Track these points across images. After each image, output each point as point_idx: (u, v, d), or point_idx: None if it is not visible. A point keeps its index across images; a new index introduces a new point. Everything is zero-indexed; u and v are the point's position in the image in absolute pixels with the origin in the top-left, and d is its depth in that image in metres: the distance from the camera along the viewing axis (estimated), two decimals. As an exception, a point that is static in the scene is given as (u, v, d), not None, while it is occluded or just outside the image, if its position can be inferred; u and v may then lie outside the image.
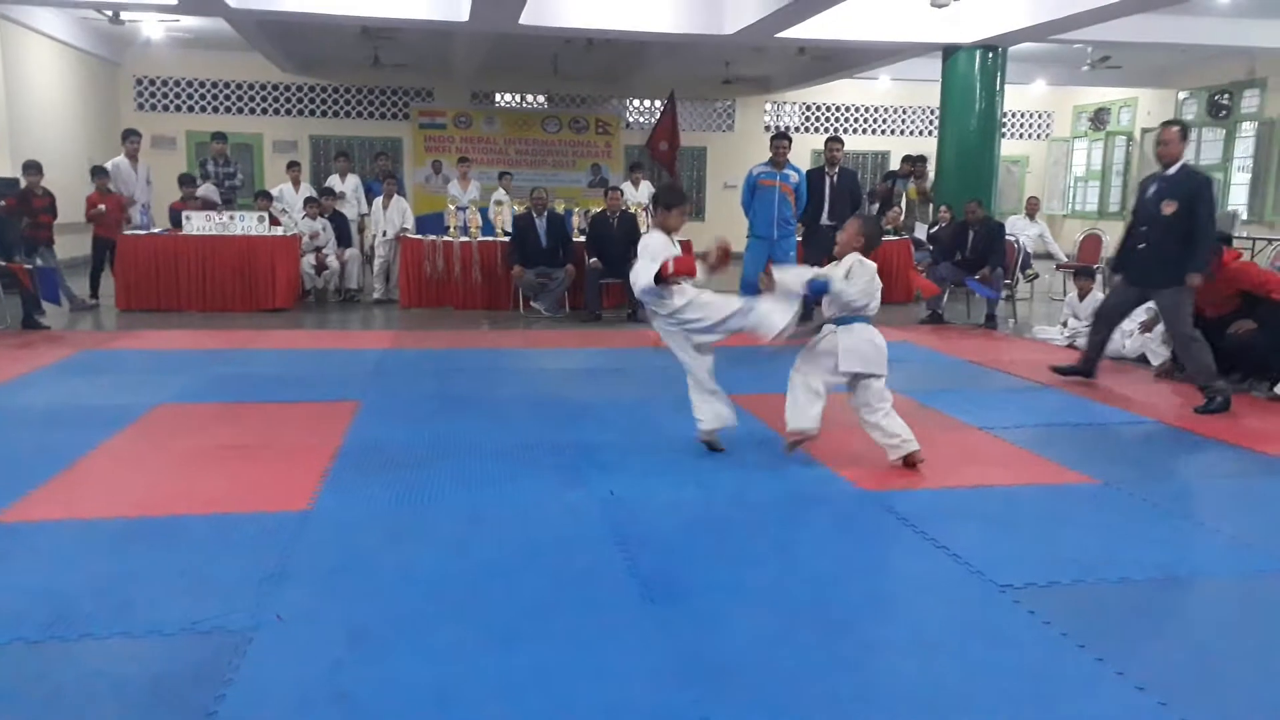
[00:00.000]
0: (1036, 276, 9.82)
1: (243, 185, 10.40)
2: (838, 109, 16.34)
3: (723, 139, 15.97)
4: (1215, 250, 5.44)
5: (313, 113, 14.73)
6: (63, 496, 3.43)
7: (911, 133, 16.50)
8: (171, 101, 14.24)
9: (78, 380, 5.42)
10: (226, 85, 14.36)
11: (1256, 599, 2.79)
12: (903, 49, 11.09)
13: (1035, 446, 4.34)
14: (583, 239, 8.76)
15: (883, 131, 16.55)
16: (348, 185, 10.13)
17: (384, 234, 9.41)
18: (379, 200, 9.57)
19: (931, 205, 10.58)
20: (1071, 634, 2.47)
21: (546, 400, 5.12)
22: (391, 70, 13.92)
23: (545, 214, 8.63)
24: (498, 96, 15.35)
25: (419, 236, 9.06)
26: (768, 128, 15.68)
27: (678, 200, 4.14)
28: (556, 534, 3.16)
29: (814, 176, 8.03)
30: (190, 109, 14.29)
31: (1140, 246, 5.33)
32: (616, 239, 8.49)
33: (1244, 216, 12.72)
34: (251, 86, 14.45)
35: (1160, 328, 6.44)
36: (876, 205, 11.06)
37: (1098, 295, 7.46)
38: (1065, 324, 7.33)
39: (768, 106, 16.13)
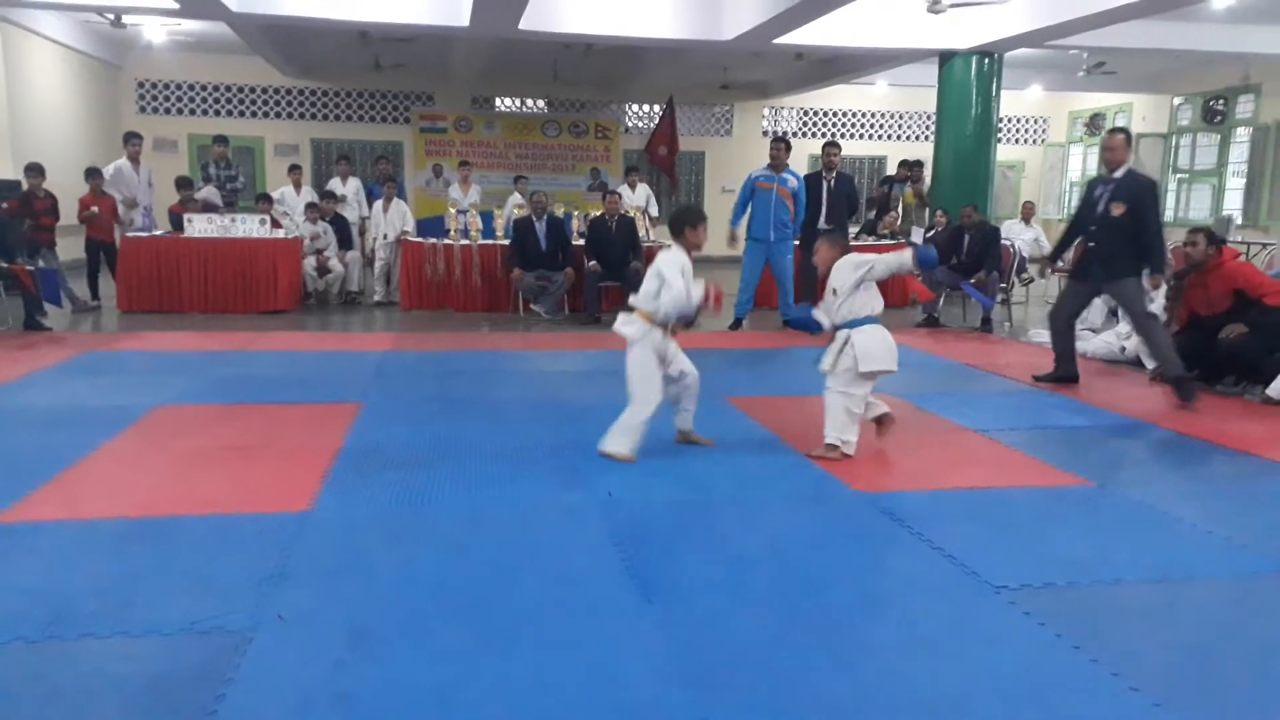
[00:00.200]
0: (1032, 281, 9.84)
1: (244, 188, 10.42)
2: (835, 114, 16.38)
3: (721, 144, 16.00)
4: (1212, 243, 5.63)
5: (314, 116, 14.75)
6: (63, 497, 3.45)
7: (908, 138, 16.54)
8: (173, 104, 14.26)
9: (79, 381, 5.44)
10: (228, 88, 14.39)
11: (1250, 600, 2.81)
12: (900, 55, 11.13)
13: (1030, 449, 4.36)
14: (582, 242, 8.79)
15: (880, 137, 16.59)
16: (349, 188, 10.16)
17: (385, 237, 9.44)
18: (379, 203, 9.60)
19: (928, 210, 10.62)
20: (1066, 635, 2.48)
21: (546, 402, 5.14)
22: (392, 74, 13.95)
23: (545, 217, 8.66)
24: (498, 101, 15.38)
25: (420, 239, 9.09)
26: (766, 133, 15.73)
27: (700, 218, 4.18)
28: (555, 535, 3.18)
29: (811, 181, 8.07)
30: (192, 112, 14.31)
31: (1090, 245, 5.56)
32: (615, 242, 8.52)
33: (1239, 221, 12.76)
34: (253, 90, 14.48)
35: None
36: (874, 211, 11.10)
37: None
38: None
39: (766, 111, 16.17)
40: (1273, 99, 12.76)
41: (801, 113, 16.30)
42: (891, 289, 9.39)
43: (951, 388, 5.79)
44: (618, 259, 8.49)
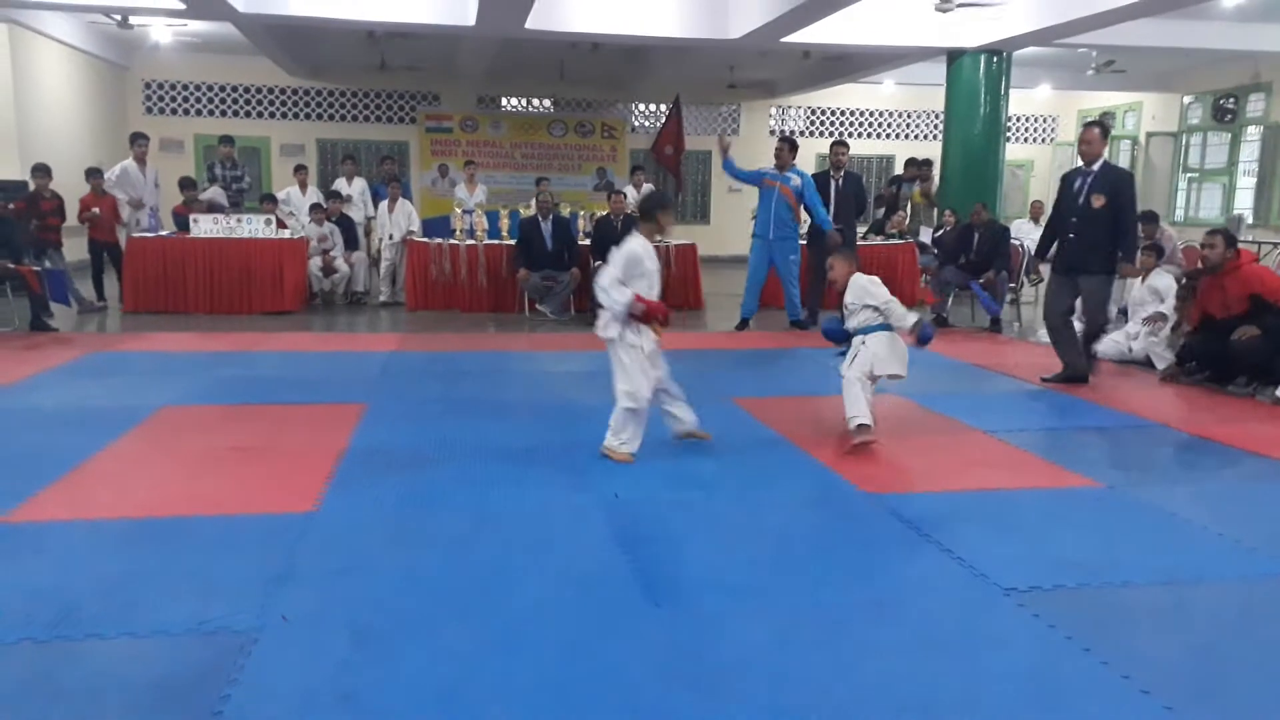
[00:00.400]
0: (1041, 280, 9.79)
1: (250, 188, 10.43)
2: (842, 113, 16.34)
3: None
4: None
5: (320, 116, 14.77)
6: (70, 497, 3.45)
7: (916, 137, 16.49)
8: (179, 105, 14.30)
9: (85, 382, 5.45)
10: (234, 89, 14.42)
11: (1260, 603, 2.78)
12: (908, 53, 11.09)
13: (1039, 450, 4.33)
14: (588, 242, 8.78)
15: (887, 136, 16.54)
16: (354, 188, 10.16)
17: (390, 237, 9.44)
18: (385, 203, 9.60)
19: (936, 209, 10.58)
20: (1075, 637, 2.46)
21: (552, 402, 5.13)
22: (398, 74, 13.96)
23: (550, 217, 8.65)
24: (504, 100, 15.38)
25: (425, 240, 9.09)
26: (773, 132, 15.70)
27: (664, 203, 4.17)
28: (561, 536, 3.17)
29: (819, 180, 8.04)
30: (198, 113, 14.35)
31: (1070, 237, 5.66)
32: (620, 242, 8.50)
33: (1249, 220, 12.69)
34: (259, 90, 14.51)
35: (1166, 330, 6.44)
36: (882, 210, 11.06)
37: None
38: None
39: (773, 111, 16.13)
40: (1283, 97, 12.68)
41: (809, 112, 16.26)
42: (900, 290, 9.39)
43: (960, 388, 5.77)
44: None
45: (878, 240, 10.04)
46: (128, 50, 13.31)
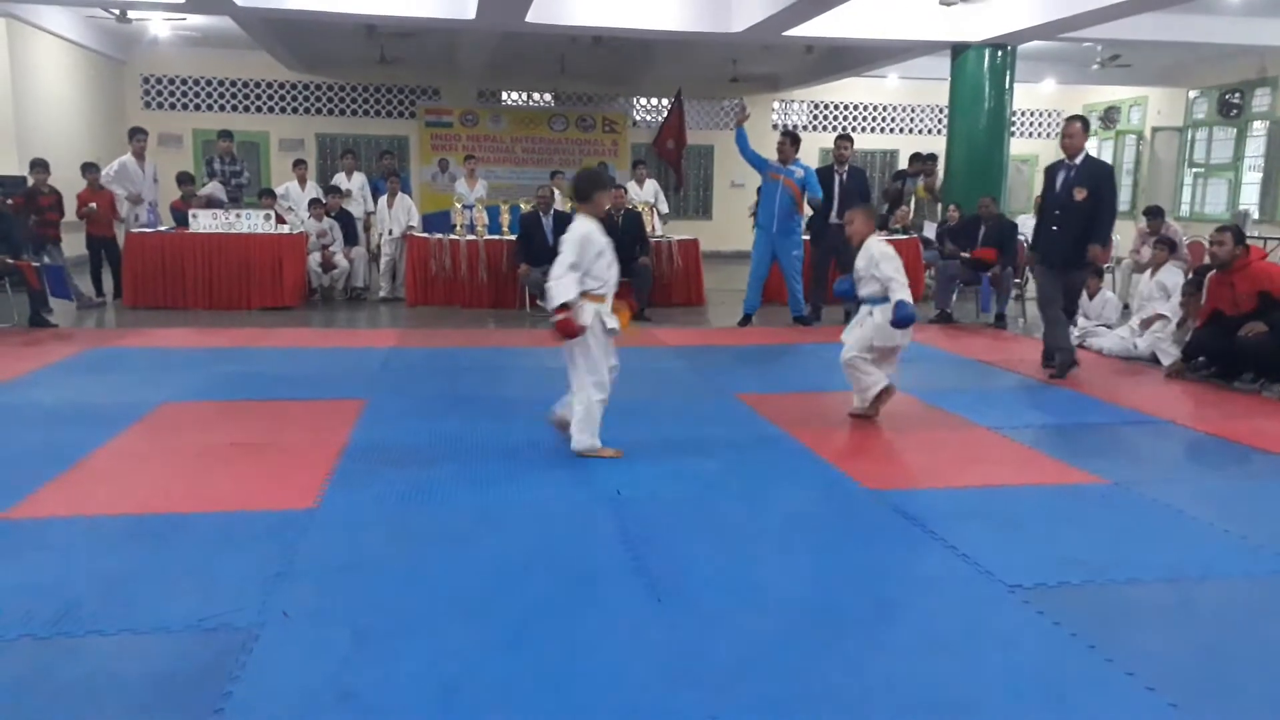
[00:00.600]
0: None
1: (249, 183, 10.41)
2: (846, 107, 16.29)
3: (730, 137, 15.87)
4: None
5: (319, 111, 14.74)
6: (69, 493, 3.44)
7: (920, 131, 16.43)
8: (178, 100, 14.26)
9: (84, 377, 5.44)
10: (233, 83, 14.38)
11: (1267, 600, 2.77)
12: (911, 47, 11.04)
13: (1044, 446, 4.31)
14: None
15: (891, 130, 16.49)
16: (354, 183, 10.14)
17: (390, 232, 9.42)
18: (384, 198, 9.58)
19: (940, 204, 10.55)
20: (1081, 634, 2.45)
21: (552, 399, 5.08)
22: (398, 68, 13.92)
23: (551, 212, 8.63)
24: (504, 95, 15.34)
25: (425, 235, 9.06)
26: (775, 126, 15.65)
27: (599, 182, 3.98)
28: (563, 533, 3.16)
29: (823, 175, 8.01)
30: (197, 107, 14.31)
31: (1054, 229, 5.78)
32: (622, 237, 8.47)
33: (1255, 216, 12.65)
34: (258, 85, 14.47)
35: (1171, 326, 6.41)
36: (887, 205, 11.03)
37: (1108, 294, 7.45)
38: (1074, 323, 7.28)
39: (775, 105, 16.09)
40: (1288, 92, 12.63)
41: (812, 106, 16.22)
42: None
43: (965, 384, 5.75)
44: (624, 254, 8.42)
45: (884, 235, 9.99)
46: (126, 44, 13.27)
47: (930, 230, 10.04)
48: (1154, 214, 8.89)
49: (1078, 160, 5.75)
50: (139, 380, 5.36)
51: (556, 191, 10.59)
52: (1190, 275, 6.47)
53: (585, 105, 15.48)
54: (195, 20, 11.47)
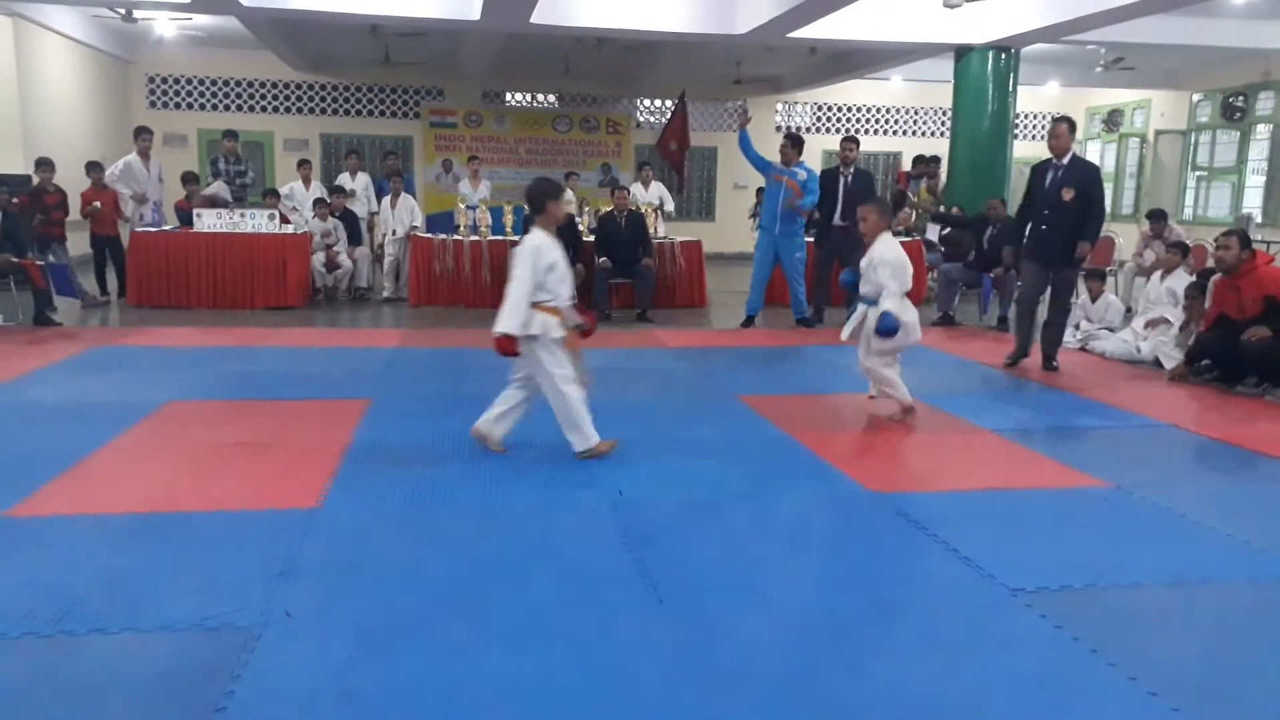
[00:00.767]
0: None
1: (254, 183, 10.42)
2: (849, 109, 16.29)
3: (733, 139, 15.79)
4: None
5: (324, 111, 14.76)
6: (73, 492, 3.44)
7: (923, 133, 16.43)
8: (183, 99, 14.29)
9: (89, 376, 5.45)
10: (238, 83, 14.41)
11: (1270, 604, 2.76)
12: (915, 49, 11.04)
13: (1047, 449, 4.31)
14: (591, 238, 8.76)
15: (895, 132, 16.48)
16: (358, 183, 10.15)
17: (393, 233, 9.43)
18: (388, 199, 9.59)
19: (942, 207, 10.54)
20: (1083, 639, 2.45)
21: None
22: (402, 69, 13.94)
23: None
24: (508, 95, 15.36)
25: (429, 235, 9.07)
26: (779, 128, 15.64)
27: (552, 192, 3.92)
28: (565, 534, 3.16)
29: (828, 176, 8.00)
30: (202, 107, 14.34)
31: (1044, 229, 5.92)
32: (625, 238, 8.48)
33: (1258, 220, 12.63)
34: (263, 85, 14.50)
35: (1174, 330, 6.40)
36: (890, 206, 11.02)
37: (1110, 297, 7.43)
38: (1077, 326, 7.28)
39: (779, 107, 16.09)
40: (1292, 95, 12.61)
41: (815, 108, 16.21)
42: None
43: (967, 387, 5.74)
44: (628, 255, 8.46)
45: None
46: (132, 44, 13.30)
47: (933, 233, 10.04)
48: (1157, 217, 8.88)
49: (1065, 160, 5.89)
50: (143, 379, 5.37)
51: (569, 192, 10.60)
52: (1194, 277, 6.46)
53: (589, 106, 15.49)
54: (201, 20, 11.49)
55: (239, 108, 14.45)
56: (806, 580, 2.84)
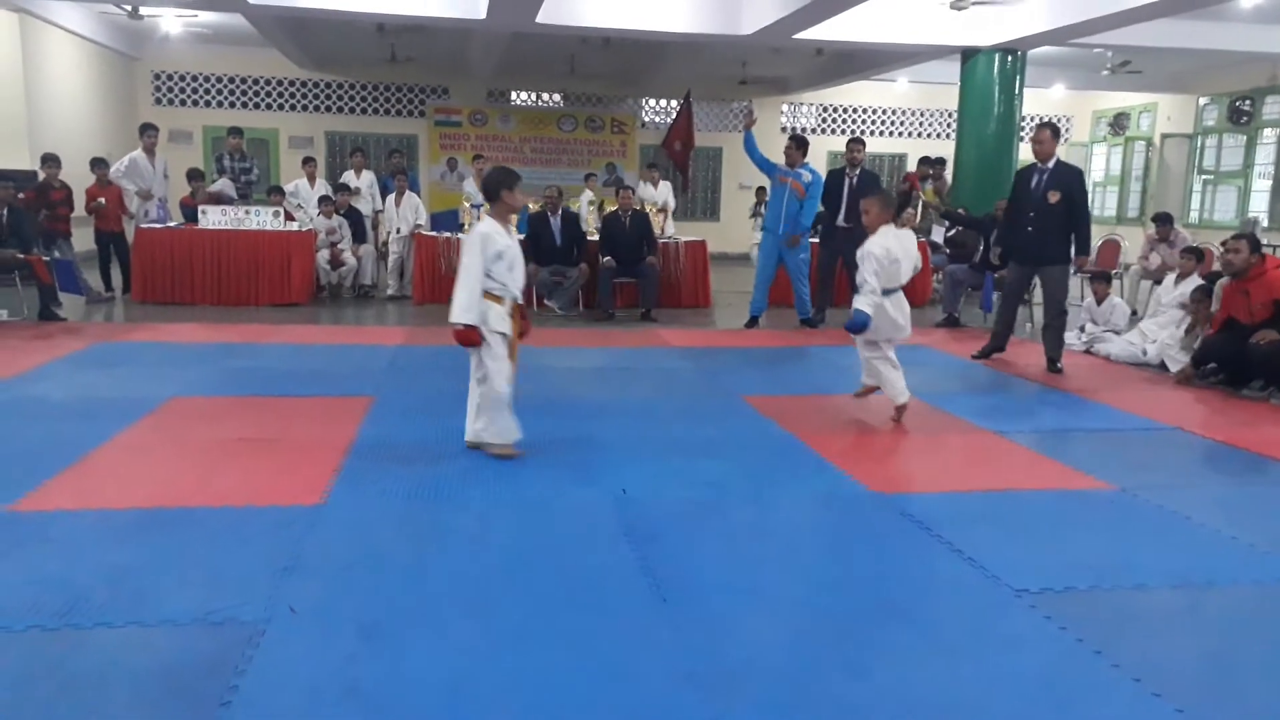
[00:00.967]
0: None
1: (259, 180, 10.43)
2: (855, 111, 16.27)
3: (738, 139, 15.83)
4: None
5: (329, 109, 14.78)
6: (78, 487, 3.45)
7: (929, 135, 16.41)
8: (189, 96, 14.31)
9: (93, 372, 5.46)
10: (243, 81, 14.43)
11: (1274, 607, 2.76)
12: (921, 51, 11.03)
13: (1051, 451, 4.30)
14: (596, 238, 8.76)
15: (900, 134, 16.47)
16: (363, 181, 10.16)
17: (398, 231, 9.43)
18: (392, 196, 9.60)
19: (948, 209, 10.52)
20: (1087, 640, 2.44)
21: (559, 398, 5.11)
22: (408, 67, 13.95)
23: (559, 213, 8.63)
24: (514, 94, 15.36)
25: (433, 233, 9.07)
26: (784, 129, 15.64)
27: (507, 181, 3.88)
28: (568, 532, 3.16)
29: (834, 177, 8.00)
30: (207, 104, 14.36)
31: (1029, 230, 6.10)
32: (629, 238, 8.48)
33: (1264, 224, 12.60)
34: (268, 82, 14.52)
35: (1179, 332, 6.39)
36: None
37: (1116, 300, 7.42)
38: (1082, 328, 7.27)
39: (785, 108, 16.08)
40: (1299, 99, 12.57)
41: (821, 109, 16.21)
42: (909, 291, 9.33)
43: (971, 388, 5.74)
44: (632, 255, 8.46)
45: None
46: (137, 41, 13.32)
47: (938, 234, 10.02)
48: (1163, 220, 8.85)
49: (1050, 165, 6.06)
50: (147, 375, 5.38)
51: (589, 192, 10.62)
52: (1203, 278, 6.46)
53: (594, 106, 15.49)
54: (206, 17, 11.51)
55: (244, 105, 14.47)
56: (809, 580, 2.84)
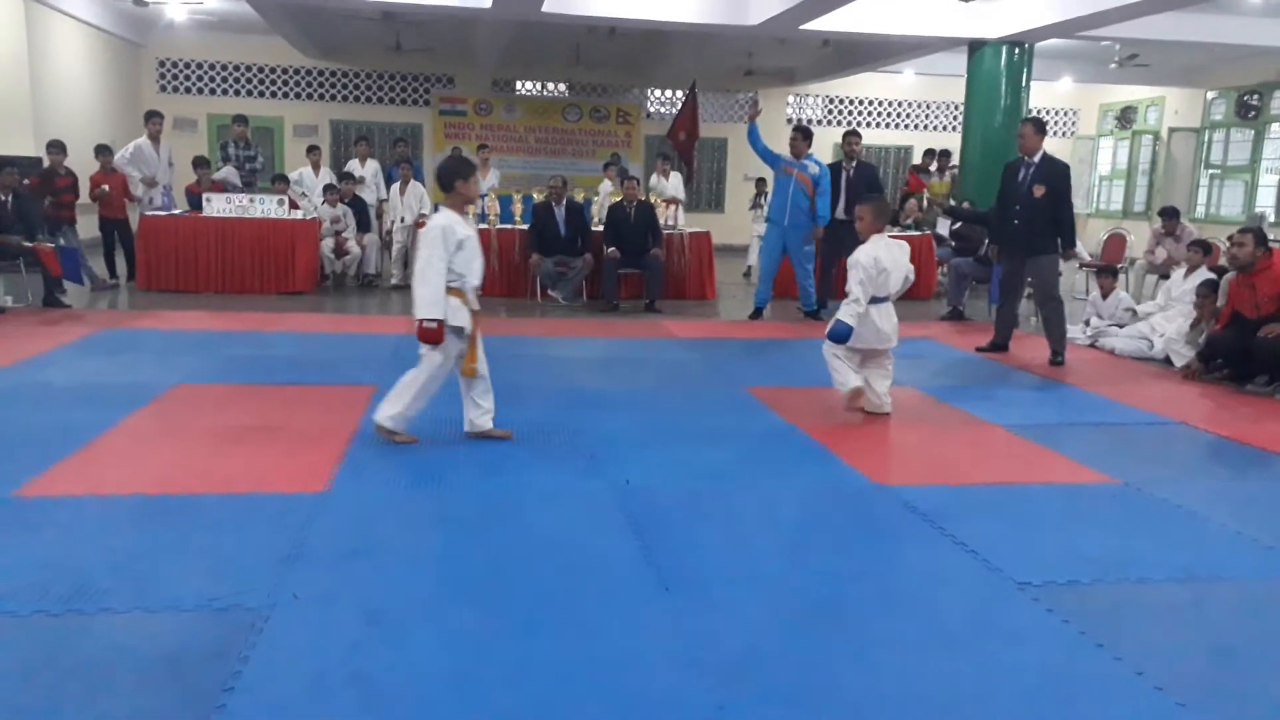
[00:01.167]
0: (1060, 275, 9.71)
1: (263, 168, 10.43)
2: (861, 102, 16.22)
3: (744, 131, 15.79)
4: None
5: (333, 97, 14.75)
6: (83, 473, 3.46)
7: (935, 128, 16.35)
8: (193, 84, 14.30)
9: (98, 359, 5.47)
10: (248, 68, 14.41)
11: (1277, 601, 2.75)
12: (928, 43, 10.98)
13: (1055, 445, 4.29)
14: (601, 228, 8.74)
15: (906, 126, 16.41)
16: (367, 170, 10.15)
17: (402, 220, 9.43)
18: (396, 185, 9.59)
19: (953, 200, 10.50)
20: (1090, 633, 2.44)
21: (562, 388, 5.12)
22: (413, 56, 13.92)
23: (564, 203, 8.62)
24: (519, 84, 15.32)
25: (438, 223, 9.05)
26: (790, 120, 15.59)
27: (461, 171, 3.80)
28: (573, 521, 3.16)
29: (831, 170, 7.98)
30: (212, 91, 14.34)
31: (1015, 223, 6.18)
32: (634, 228, 8.47)
33: (1271, 219, 12.54)
34: (273, 70, 14.49)
35: (1182, 325, 6.38)
36: (900, 199, 10.98)
37: (1121, 294, 7.40)
38: (1088, 322, 7.25)
39: (790, 99, 16.02)
40: (1308, 94, 12.50)
41: (827, 100, 16.15)
42: (918, 282, 9.31)
43: (975, 381, 5.72)
44: (637, 245, 8.44)
45: (894, 231, 9.97)
46: (143, 28, 13.30)
47: (944, 227, 10.00)
48: (1169, 214, 8.82)
49: (1036, 159, 6.13)
50: (152, 362, 5.39)
51: (608, 183, 10.58)
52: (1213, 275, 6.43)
53: (599, 96, 15.44)
54: (211, 4, 11.49)
55: (249, 93, 14.45)
56: (812, 571, 2.84)
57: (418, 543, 2.93)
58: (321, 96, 14.71)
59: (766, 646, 2.34)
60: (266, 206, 8.58)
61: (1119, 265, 8.94)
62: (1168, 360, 6.31)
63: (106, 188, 8.62)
